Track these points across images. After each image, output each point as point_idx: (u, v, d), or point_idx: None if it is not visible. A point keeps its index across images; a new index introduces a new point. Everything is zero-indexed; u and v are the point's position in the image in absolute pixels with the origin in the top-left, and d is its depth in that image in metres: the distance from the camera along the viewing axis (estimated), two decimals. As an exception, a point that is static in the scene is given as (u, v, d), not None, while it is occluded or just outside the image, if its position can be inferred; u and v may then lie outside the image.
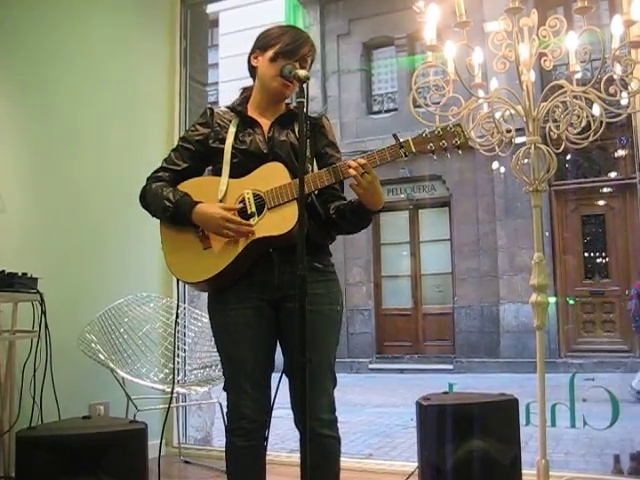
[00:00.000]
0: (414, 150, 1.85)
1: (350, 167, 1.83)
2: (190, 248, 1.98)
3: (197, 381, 3.77)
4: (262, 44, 2.04)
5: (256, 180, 1.95)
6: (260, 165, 1.96)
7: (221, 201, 1.97)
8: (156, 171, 2.10)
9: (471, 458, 2.41)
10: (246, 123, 2.05)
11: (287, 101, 2.10)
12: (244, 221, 1.91)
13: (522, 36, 2.67)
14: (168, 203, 1.98)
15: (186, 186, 2.03)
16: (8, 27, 3.26)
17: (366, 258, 11.96)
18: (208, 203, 1.96)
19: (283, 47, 1.98)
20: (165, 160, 2.11)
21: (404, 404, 6.76)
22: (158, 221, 2.07)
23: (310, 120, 2.05)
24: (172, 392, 2.38)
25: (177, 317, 2.32)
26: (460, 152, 1.88)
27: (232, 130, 2.04)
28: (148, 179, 2.09)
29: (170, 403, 2.36)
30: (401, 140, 1.84)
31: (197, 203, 1.96)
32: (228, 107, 2.12)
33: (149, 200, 2.06)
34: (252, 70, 2.09)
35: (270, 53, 2.00)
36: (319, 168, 2.00)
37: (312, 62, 2.06)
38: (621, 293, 10.20)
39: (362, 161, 1.83)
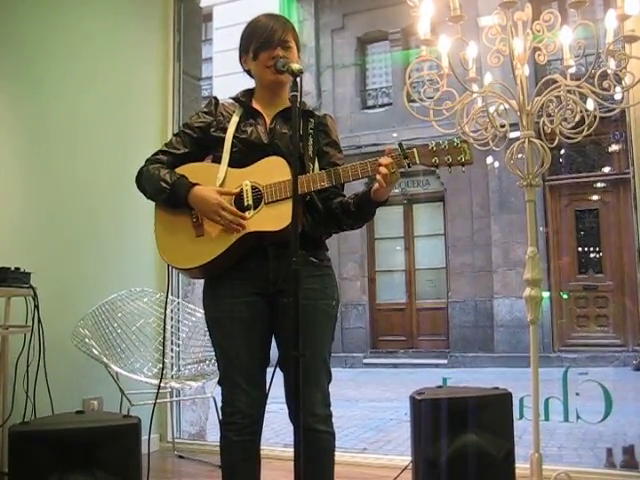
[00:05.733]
0: (418, 162, 1.84)
1: (382, 165, 1.82)
2: (183, 233, 1.98)
3: (191, 376, 3.77)
4: (243, 47, 2.06)
5: (256, 173, 1.95)
6: (260, 156, 1.96)
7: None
8: (155, 153, 2.09)
9: (465, 452, 2.42)
10: (249, 114, 2.06)
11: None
12: (239, 213, 1.91)
13: (516, 30, 2.67)
14: (165, 184, 1.97)
15: (183, 170, 2.02)
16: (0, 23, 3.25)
17: (360, 253, 11.97)
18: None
19: (257, 43, 1.99)
20: (166, 144, 2.11)
21: (398, 398, 6.78)
22: (152, 215, 2.06)
23: (314, 118, 2.06)
24: (159, 386, 2.37)
25: (165, 307, 2.31)
26: (464, 170, 1.86)
27: (235, 120, 2.04)
28: (147, 160, 2.08)
29: (157, 398, 2.35)
30: (406, 149, 1.83)
31: (194, 185, 1.96)
32: (232, 98, 2.12)
33: (145, 181, 2.05)
34: (248, 72, 2.11)
35: (251, 52, 2.02)
36: (320, 167, 2.00)
37: (297, 41, 2.05)
38: (615, 288, 10.23)
39: (389, 160, 1.83)
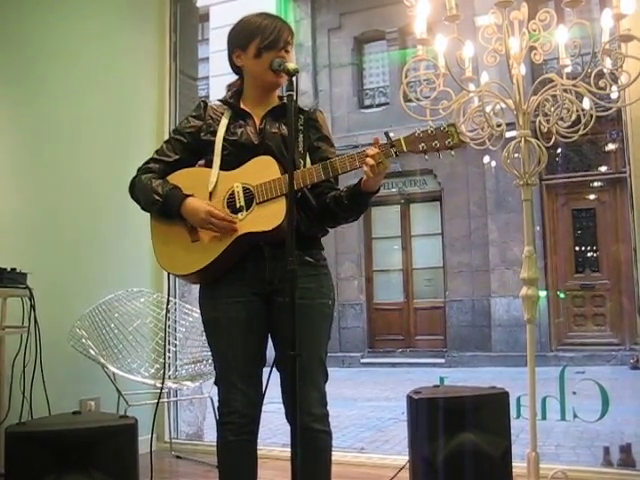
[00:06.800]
0: (405, 150, 1.83)
1: (368, 156, 1.82)
2: (179, 240, 1.98)
3: (188, 376, 3.76)
4: (241, 42, 2.03)
5: (247, 173, 1.94)
6: (251, 157, 1.95)
7: (211, 193, 1.96)
8: (147, 162, 2.09)
9: (462, 451, 2.42)
10: (238, 115, 2.05)
11: (280, 94, 2.10)
12: (228, 217, 1.91)
13: (512, 30, 2.67)
14: (157, 197, 1.97)
15: (176, 177, 2.02)
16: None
17: (357, 252, 11.96)
18: (198, 196, 1.96)
19: (264, 41, 1.97)
20: (156, 151, 2.10)
21: (396, 398, 6.78)
22: (148, 215, 2.06)
23: (303, 114, 2.05)
24: (162, 387, 2.38)
25: (167, 312, 2.31)
26: (453, 153, 1.84)
27: (224, 122, 2.03)
28: (138, 170, 2.08)
29: (159, 398, 2.35)
30: (393, 138, 1.83)
31: (187, 197, 1.96)
32: (221, 100, 2.11)
33: (138, 192, 2.05)
34: (236, 68, 2.09)
35: (252, 50, 1.99)
36: (312, 162, 1.99)
37: (293, 43, 2.05)
38: (612, 287, 10.24)
39: (376, 150, 1.82)
